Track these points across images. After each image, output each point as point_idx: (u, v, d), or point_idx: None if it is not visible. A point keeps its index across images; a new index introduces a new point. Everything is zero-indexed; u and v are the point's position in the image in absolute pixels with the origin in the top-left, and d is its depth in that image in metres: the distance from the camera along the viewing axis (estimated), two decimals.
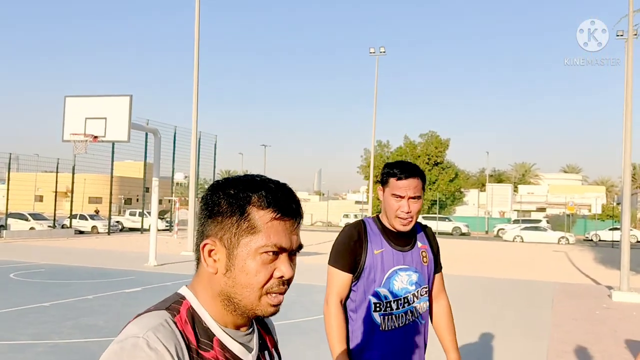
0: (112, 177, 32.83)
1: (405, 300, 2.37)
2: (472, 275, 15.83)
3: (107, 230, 32.37)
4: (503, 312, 9.62)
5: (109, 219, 33.38)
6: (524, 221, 44.71)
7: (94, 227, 32.55)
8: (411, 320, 2.38)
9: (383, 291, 2.36)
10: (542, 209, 61.01)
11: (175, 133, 33.74)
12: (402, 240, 2.42)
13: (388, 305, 2.35)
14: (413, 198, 2.34)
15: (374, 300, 2.36)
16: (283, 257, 1.08)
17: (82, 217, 33.21)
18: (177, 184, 46.50)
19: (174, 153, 33.89)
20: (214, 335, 1.10)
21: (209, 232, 1.10)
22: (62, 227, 31.27)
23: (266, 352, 1.22)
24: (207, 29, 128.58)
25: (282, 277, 1.08)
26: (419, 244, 2.46)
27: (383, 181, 2.41)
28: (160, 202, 29.73)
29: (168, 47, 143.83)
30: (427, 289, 2.44)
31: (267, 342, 1.26)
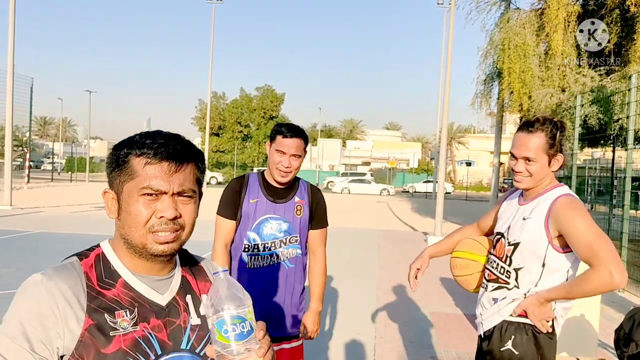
0: None
1: (272, 245, 2.66)
2: None
3: None
4: (336, 256, 10.42)
5: None
6: (351, 174, 47.74)
7: None
8: (275, 262, 2.68)
9: (253, 235, 2.65)
10: (367, 163, 65.51)
11: None
12: (279, 193, 2.70)
13: (255, 247, 2.65)
14: (294, 156, 2.63)
15: (245, 242, 2.66)
16: (164, 198, 1.16)
17: None
18: None
19: None
20: (120, 276, 1.19)
21: (109, 183, 1.21)
22: None
23: (189, 296, 1.28)
24: None
25: (162, 217, 1.16)
26: (296, 198, 2.75)
27: (271, 137, 2.67)
28: None
29: None
30: (297, 238, 2.73)
31: (194, 287, 1.31)
